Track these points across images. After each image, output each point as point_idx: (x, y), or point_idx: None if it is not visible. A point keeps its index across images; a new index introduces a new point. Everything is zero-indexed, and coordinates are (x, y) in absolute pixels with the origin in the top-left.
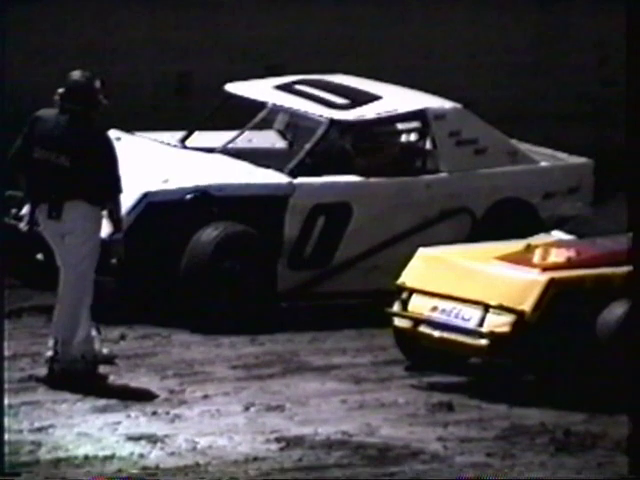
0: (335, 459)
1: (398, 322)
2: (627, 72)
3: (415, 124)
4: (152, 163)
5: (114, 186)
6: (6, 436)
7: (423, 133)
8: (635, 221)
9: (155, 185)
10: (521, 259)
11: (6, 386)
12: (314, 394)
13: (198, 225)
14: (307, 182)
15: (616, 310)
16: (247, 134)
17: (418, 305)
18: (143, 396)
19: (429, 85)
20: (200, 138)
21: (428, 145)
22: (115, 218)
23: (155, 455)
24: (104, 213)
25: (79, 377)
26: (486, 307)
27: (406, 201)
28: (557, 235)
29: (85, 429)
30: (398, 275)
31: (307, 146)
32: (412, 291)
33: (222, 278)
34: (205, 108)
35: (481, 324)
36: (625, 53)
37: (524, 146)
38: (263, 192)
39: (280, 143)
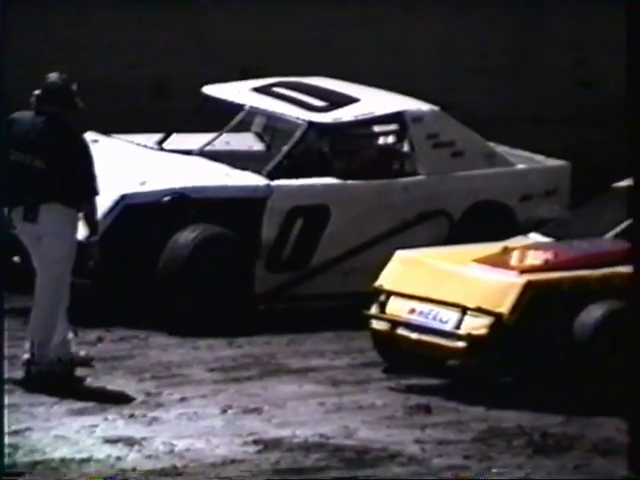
0: (313, 461)
1: (376, 324)
2: (627, 72)
3: (393, 127)
4: (129, 165)
5: (90, 188)
6: None
7: (401, 136)
8: (635, 222)
9: (132, 187)
10: (498, 261)
11: None
12: (292, 396)
13: (176, 227)
14: (285, 184)
15: (593, 312)
16: (225, 136)
17: (396, 307)
18: (120, 399)
19: (407, 88)
20: (177, 140)
21: (406, 148)
22: (91, 220)
23: (132, 458)
24: (80, 215)
25: (56, 380)
26: (464, 309)
27: (384, 203)
28: (534, 238)
29: (62, 432)
30: (376, 277)
31: (285, 148)
32: (390, 293)
33: (199, 280)
34: (183, 110)
35: (459, 326)
36: (625, 53)
37: (501, 149)
38: (241, 194)
39: (258, 145)
